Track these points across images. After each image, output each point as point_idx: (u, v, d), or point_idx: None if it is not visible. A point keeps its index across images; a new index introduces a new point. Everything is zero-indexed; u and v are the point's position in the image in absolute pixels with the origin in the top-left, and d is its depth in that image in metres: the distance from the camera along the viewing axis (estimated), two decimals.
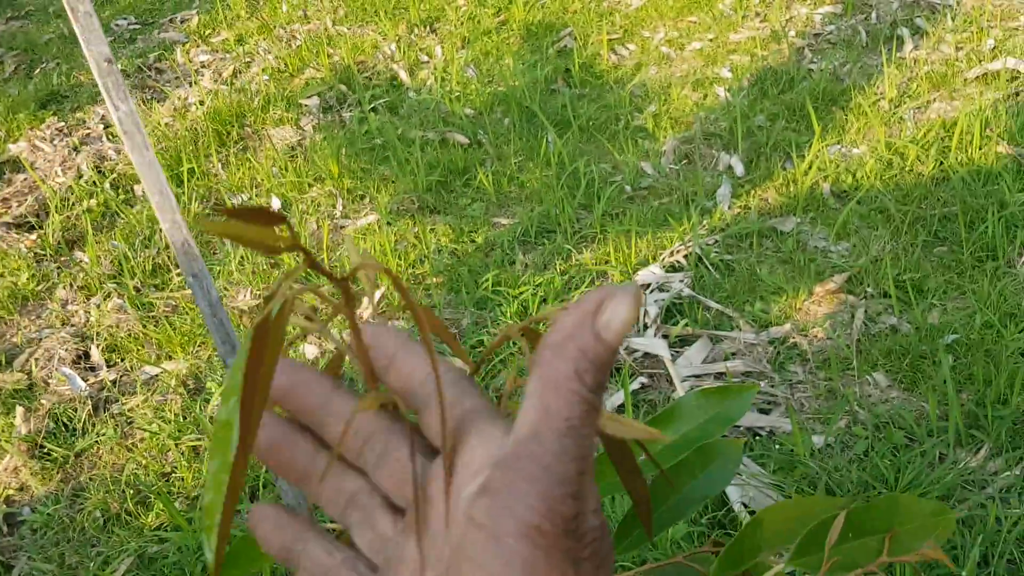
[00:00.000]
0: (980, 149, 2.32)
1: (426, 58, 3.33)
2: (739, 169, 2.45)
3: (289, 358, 0.32)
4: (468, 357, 0.36)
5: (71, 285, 2.32)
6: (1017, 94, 2.56)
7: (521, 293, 2.07)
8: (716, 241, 2.19)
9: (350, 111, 3.04)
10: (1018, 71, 2.64)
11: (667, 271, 2.10)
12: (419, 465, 0.30)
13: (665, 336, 1.92)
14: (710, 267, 2.10)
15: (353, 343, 0.31)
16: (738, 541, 0.44)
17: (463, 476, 0.28)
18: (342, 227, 2.45)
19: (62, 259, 2.43)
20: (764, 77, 2.87)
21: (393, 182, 2.59)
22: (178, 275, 2.30)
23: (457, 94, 3.03)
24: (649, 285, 2.06)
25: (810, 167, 2.37)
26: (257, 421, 0.26)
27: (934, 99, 2.62)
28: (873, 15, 3.17)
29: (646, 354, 1.89)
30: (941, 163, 2.32)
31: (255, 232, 0.23)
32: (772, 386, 1.77)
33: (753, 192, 2.35)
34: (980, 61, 2.75)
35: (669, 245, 2.18)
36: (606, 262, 2.16)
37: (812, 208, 2.25)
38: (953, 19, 3.02)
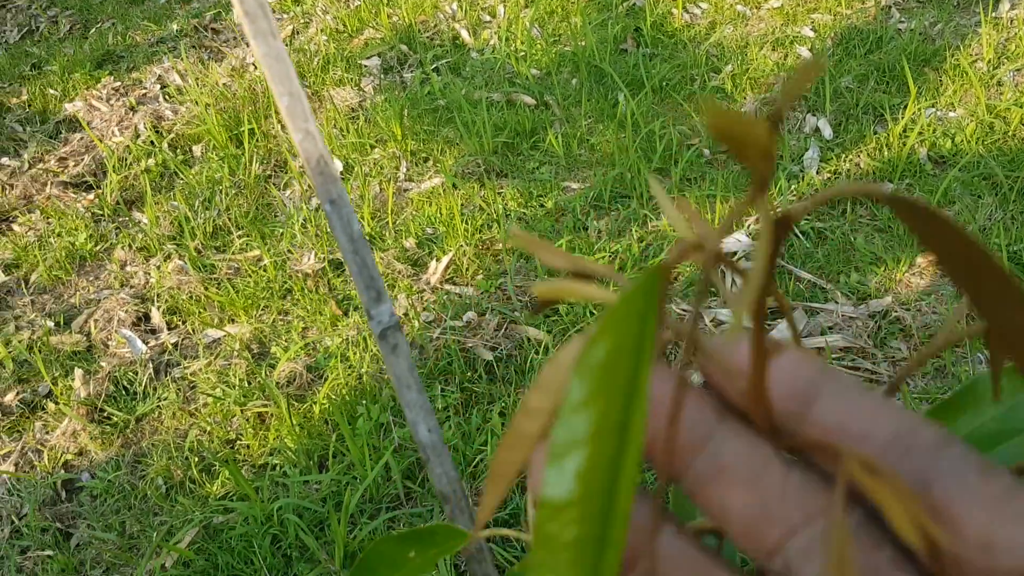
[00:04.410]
0: None
1: (488, 17, 3.21)
2: (827, 132, 2.30)
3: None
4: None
5: (130, 246, 2.25)
6: None
7: (597, 260, 1.95)
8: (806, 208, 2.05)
9: (411, 72, 2.94)
10: None
11: (753, 239, 1.97)
12: None
13: None
14: (800, 235, 1.97)
15: (751, 366, 0.19)
16: None
17: None
18: (406, 190, 2.35)
19: (120, 219, 2.37)
20: (849, 37, 2.71)
21: (458, 144, 2.48)
22: (239, 237, 2.22)
23: (522, 54, 2.91)
24: (735, 253, 1.93)
25: (905, 131, 2.22)
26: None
27: None
28: None
29: None
30: None
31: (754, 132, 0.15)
32: (875, 363, 1.64)
33: (843, 156, 2.20)
34: None
35: (754, 212, 2.04)
36: None
37: (908, 174, 2.10)
38: None
